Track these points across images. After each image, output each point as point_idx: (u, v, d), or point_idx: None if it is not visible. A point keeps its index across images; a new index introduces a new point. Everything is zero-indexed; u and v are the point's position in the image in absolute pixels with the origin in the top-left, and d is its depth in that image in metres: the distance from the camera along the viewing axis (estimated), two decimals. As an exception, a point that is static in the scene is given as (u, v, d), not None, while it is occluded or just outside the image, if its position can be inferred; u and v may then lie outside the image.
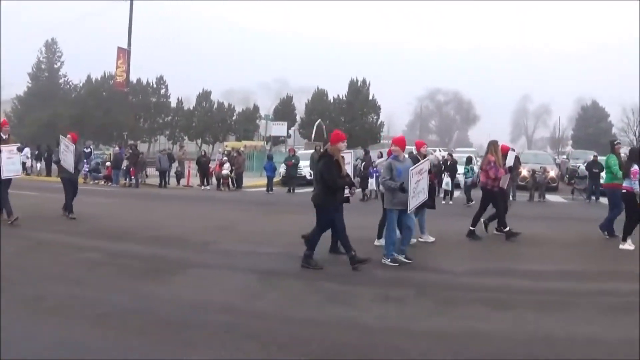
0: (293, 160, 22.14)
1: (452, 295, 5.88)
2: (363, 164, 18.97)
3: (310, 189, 21.53)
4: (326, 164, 7.09)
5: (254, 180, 24.71)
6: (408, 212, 7.39)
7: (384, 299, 5.70)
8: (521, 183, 19.40)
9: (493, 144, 9.77)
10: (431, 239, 9.20)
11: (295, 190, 21.28)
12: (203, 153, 25.49)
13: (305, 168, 23.37)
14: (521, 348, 4.25)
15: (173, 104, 58.19)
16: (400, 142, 7.66)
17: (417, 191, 7.56)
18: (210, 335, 4.44)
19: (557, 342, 4.37)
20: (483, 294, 5.93)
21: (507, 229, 9.45)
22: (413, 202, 7.41)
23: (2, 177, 9.98)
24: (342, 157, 7.40)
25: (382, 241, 8.02)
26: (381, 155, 22.26)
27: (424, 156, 9.01)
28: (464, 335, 4.54)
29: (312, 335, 4.54)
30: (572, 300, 5.70)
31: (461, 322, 4.89)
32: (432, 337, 4.50)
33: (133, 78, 43.98)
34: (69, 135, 11.68)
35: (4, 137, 10.32)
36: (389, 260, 7.32)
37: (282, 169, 23.47)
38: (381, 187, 8.22)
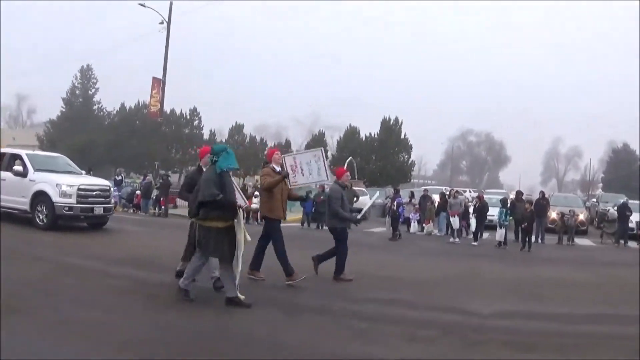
0: (322, 197, 22.42)
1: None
2: (395, 203, 18.93)
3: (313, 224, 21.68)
4: None
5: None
6: None
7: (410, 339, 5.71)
8: (550, 226, 19.41)
9: None
10: None
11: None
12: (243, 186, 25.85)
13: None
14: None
15: (206, 135, 58.68)
16: None
17: None
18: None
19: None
20: (509, 337, 5.98)
21: None
22: None
23: None
24: None
25: None
26: (412, 195, 22.33)
27: None
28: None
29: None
30: (599, 342, 5.78)
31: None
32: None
33: (167, 108, 44.24)
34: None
35: (277, 169, 8.37)
36: None
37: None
38: None
